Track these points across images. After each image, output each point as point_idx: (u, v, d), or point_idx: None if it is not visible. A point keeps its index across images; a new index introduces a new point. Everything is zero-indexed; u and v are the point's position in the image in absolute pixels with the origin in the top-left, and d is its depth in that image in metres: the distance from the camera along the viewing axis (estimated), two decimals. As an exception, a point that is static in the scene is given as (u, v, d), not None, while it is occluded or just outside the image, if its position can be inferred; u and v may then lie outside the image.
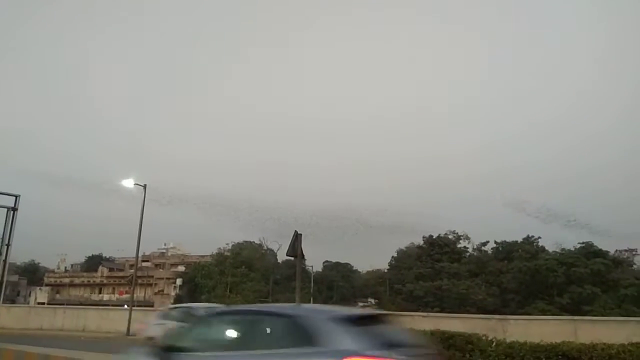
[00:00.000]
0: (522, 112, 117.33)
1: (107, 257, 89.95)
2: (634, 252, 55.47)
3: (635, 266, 53.85)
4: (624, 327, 17.10)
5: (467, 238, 56.22)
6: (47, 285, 79.96)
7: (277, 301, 53.62)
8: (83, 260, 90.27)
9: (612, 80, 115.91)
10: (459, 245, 54.90)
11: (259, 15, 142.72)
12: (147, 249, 79.25)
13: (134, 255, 27.83)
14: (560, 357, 5.84)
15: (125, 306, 30.83)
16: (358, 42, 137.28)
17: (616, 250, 49.41)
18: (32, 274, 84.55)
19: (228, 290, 50.05)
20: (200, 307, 14.78)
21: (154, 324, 14.19)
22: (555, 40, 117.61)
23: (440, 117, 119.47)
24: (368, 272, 72.81)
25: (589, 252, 44.18)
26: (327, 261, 70.30)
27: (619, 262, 46.67)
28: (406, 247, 63.17)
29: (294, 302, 10.84)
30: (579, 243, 46.49)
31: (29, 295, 74.44)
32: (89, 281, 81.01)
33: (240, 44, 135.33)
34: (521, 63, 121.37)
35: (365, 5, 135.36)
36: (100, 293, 78.68)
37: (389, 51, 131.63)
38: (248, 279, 53.72)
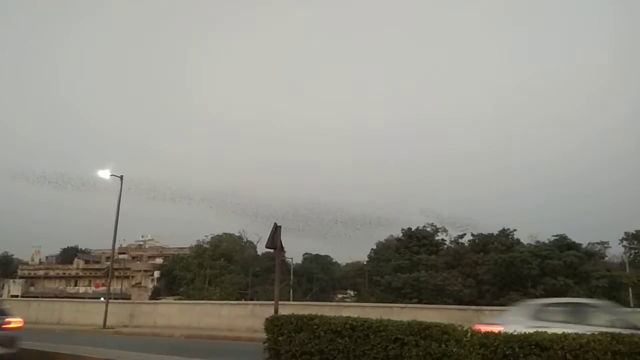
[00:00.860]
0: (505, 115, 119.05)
1: (83, 249, 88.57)
2: (605, 245, 57.11)
3: (606, 258, 55.40)
4: (595, 318, 17.58)
5: (445, 231, 57.03)
6: (21, 277, 78.44)
7: (256, 293, 53.61)
8: (58, 252, 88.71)
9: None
10: (437, 238, 55.58)
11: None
12: (124, 241, 78.28)
13: (111, 247, 27.46)
14: (533, 346, 5.97)
15: (102, 299, 30.42)
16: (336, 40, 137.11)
17: (589, 243, 50.67)
18: (5, 266, 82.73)
19: (207, 283, 49.77)
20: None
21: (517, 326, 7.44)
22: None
23: (423, 119, 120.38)
24: (347, 264, 73.28)
25: (562, 244, 45.14)
26: (307, 253, 70.57)
27: (591, 255, 47.81)
28: (385, 240, 63.72)
29: (273, 294, 10.87)
30: (552, 236, 47.46)
31: (2, 288, 72.84)
32: (64, 273, 79.68)
33: (226, 43, 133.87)
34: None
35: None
36: (76, 285, 77.53)
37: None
38: (227, 271, 53.48)
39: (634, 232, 56.63)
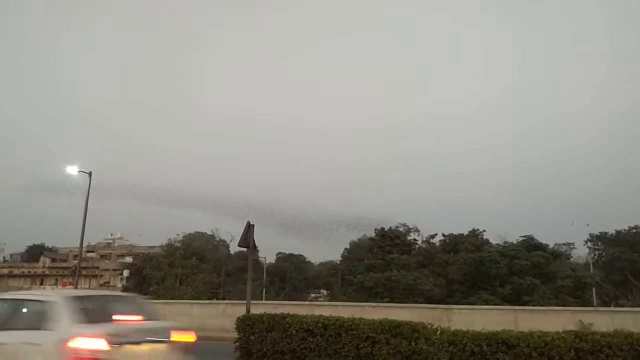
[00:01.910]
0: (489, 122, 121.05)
1: (50, 246, 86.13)
2: (571, 246, 58.81)
3: (572, 259, 57.06)
4: (560, 316, 18.14)
5: (417, 231, 57.74)
6: (-17, 276, 75.82)
7: (229, 292, 53.13)
8: (23, 250, 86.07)
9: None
10: (409, 238, 56.21)
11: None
12: (92, 239, 76.52)
13: (79, 245, 26.81)
14: (500, 344, 6.11)
15: (69, 298, 29.66)
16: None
17: (555, 244, 52.06)
18: (-33, 265, 79.86)
19: (178, 282, 49.08)
20: None
21: None
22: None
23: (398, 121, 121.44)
24: (321, 263, 73.29)
25: (529, 245, 46.17)
26: (280, 252, 70.22)
27: (557, 255, 49.09)
28: (358, 239, 64.06)
29: (245, 293, 10.80)
30: (520, 236, 48.52)
31: (-37, 287, 70.27)
32: (29, 272, 77.39)
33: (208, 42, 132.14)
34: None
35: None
36: (42, 284, 75.38)
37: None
38: (199, 270, 52.84)
39: (598, 233, 58.47)
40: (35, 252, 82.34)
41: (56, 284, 73.84)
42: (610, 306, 39.76)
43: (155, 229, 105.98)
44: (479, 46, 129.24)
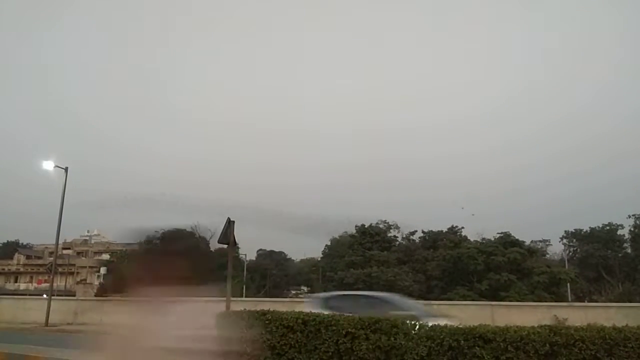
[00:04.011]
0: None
1: (25, 243, 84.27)
2: (547, 243, 60.00)
3: (548, 255, 58.22)
4: (536, 311, 18.52)
5: (397, 227, 58.22)
6: (-46, 273, 73.82)
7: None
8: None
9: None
10: (389, 235, 56.66)
11: None
12: (68, 235, 75.07)
13: (54, 242, 26.31)
14: (477, 339, 6.20)
15: (45, 296, 29.10)
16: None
17: (531, 241, 53.03)
18: (-63, 262, 77.53)
19: (157, 279, 48.49)
20: None
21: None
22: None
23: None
24: (302, 260, 73.25)
25: (506, 241, 46.99)
26: (261, 249, 69.98)
27: (533, 252, 50.03)
28: (339, 236, 64.19)
29: (225, 290, 10.76)
30: (497, 233, 49.36)
31: None
32: (3, 269, 75.56)
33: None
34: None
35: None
36: (16, 282, 73.73)
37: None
38: (178, 267, 52.27)
39: (573, 230, 59.77)
40: (9, 249, 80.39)
41: (31, 282, 72.32)
42: (584, 301, 40.71)
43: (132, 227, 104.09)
44: (471, 50, 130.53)
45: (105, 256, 70.99)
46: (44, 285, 62.13)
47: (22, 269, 74.83)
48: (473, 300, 35.10)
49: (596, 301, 38.69)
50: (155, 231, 2.12)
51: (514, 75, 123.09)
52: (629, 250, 55.86)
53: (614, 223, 56.35)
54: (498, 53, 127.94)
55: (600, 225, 57.11)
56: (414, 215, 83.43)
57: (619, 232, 56.20)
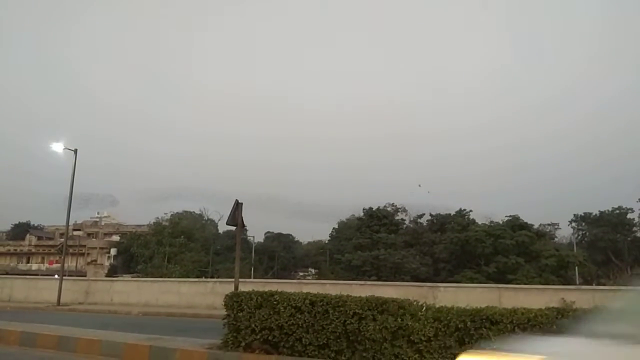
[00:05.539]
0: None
1: (36, 225, 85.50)
2: (555, 226, 59.80)
3: (556, 239, 58.10)
4: (543, 294, 18.48)
5: (405, 210, 58.27)
6: (-33, 254, 75.15)
7: (217, 271, 53.37)
8: (9, 228, 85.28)
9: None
10: (396, 218, 56.73)
11: None
12: (79, 217, 75.97)
13: (65, 224, 26.61)
14: (484, 320, 6.21)
15: (56, 276, 29.55)
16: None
17: (540, 224, 52.86)
18: (-49, 243, 79.02)
19: (166, 261, 49.09)
20: None
21: None
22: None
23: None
24: (309, 242, 73.74)
25: (515, 224, 46.87)
26: (269, 232, 70.48)
27: (541, 235, 49.91)
28: (347, 219, 64.43)
29: (234, 271, 10.83)
30: (506, 216, 49.23)
31: (-53, 265, 69.64)
32: (15, 250, 76.78)
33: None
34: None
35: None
36: (28, 262, 74.96)
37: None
38: (187, 249, 52.84)
39: (582, 214, 59.47)
40: (20, 230, 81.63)
41: (43, 262, 73.46)
42: (592, 285, 40.63)
43: (141, 209, 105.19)
44: (463, 29, 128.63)
45: (116, 237, 71.85)
46: (56, 265, 63.15)
47: (33, 250, 76.01)
48: (480, 282, 35.16)
49: (604, 285, 38.60)
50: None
51: (518, 45, 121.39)
52: (638, 234, 55.59)
53: (623, 207, 56.01)
54: (504, 22, 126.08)
55: (610, 209, 56.77)
56: (422, 197, 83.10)
57: (629, 215, 55.88)
